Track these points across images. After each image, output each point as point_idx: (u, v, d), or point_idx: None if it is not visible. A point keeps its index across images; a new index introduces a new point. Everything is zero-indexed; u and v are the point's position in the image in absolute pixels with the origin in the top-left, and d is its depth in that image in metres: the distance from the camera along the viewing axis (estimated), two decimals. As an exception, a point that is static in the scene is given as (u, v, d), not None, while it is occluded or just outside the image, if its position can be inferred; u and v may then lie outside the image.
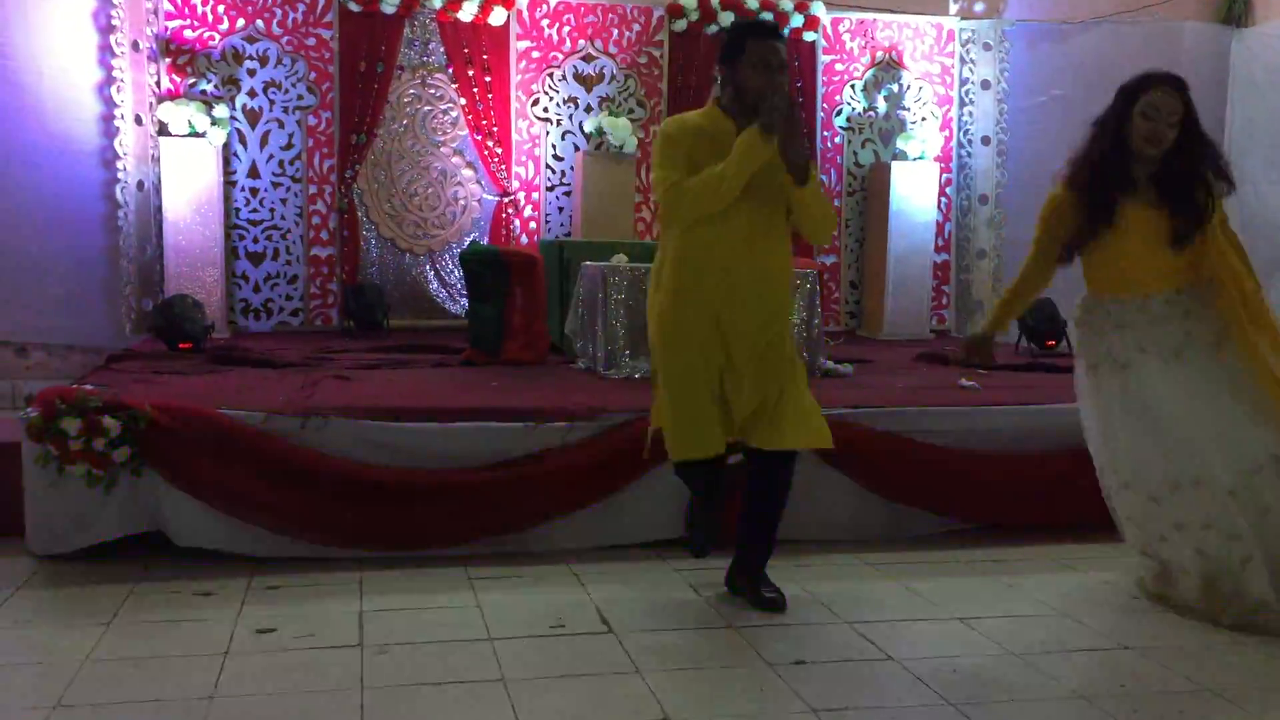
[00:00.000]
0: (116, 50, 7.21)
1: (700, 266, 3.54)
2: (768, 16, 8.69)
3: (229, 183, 8.05)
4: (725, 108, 3.56)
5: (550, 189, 8.78)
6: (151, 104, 7.67)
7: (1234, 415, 3.61)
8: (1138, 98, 3.60)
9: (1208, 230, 3.65)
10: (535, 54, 8.59)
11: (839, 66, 9.14)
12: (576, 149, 8.68)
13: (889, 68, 9.20)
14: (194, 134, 7.64)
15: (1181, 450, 3.63)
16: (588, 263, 6.23)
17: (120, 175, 7.28)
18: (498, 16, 8.33)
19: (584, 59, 8.73)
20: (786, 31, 8.81)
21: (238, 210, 8.13)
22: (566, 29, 8.65)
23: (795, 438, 3.57)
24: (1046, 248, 3.81)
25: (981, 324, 4.13)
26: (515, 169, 8.60)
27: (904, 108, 9.21)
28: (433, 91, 8.48)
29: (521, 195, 8.67)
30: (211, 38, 7.95)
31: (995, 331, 4.01)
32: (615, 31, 8.74)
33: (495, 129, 8.44)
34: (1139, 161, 3.64)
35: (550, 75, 8.65)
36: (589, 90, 8.74)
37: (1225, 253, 3.65)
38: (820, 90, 9.08)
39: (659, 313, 3.63)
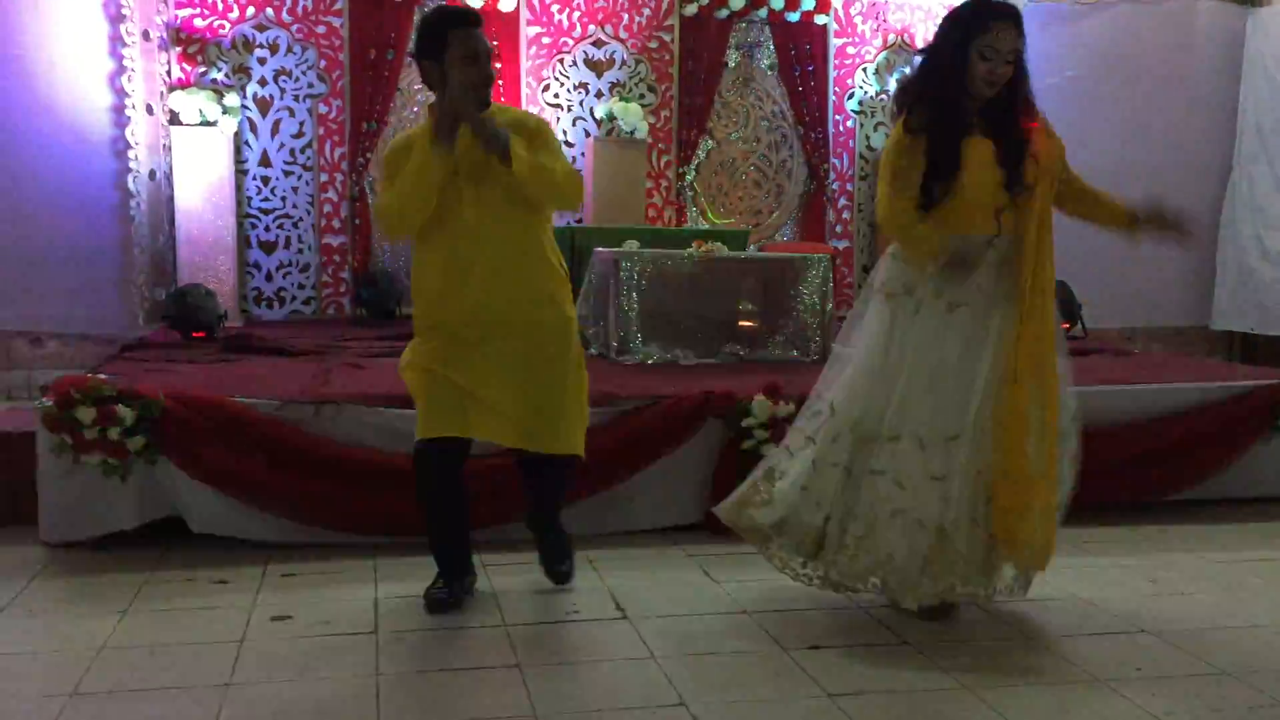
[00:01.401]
0: (127, 40, 7.20)
1: (435, 269, 3.44)
2: (777, 1, 8.65)
3: (240, 171, 8.05)
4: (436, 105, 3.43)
5: (562, 175, 8.74)
6: (162, 93, 7.67)
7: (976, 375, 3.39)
8: (975, 36, 3.34)
9: (1051, 171, 3.44)
10: (545, 40, 8.56)
11: (850, 50, 9.09)
12: (587, 135, 8.65)
13: (901, 50, 9.14)
14: (205, 123, 7.63)
15: (923, 401, 3.39)
16: (599, 249, 6.22)
17: (132, 165, 7.28)
18: (508, 2, 8.31)
19: (594, 44, 8.70)
20: (797, 15, 8.77)
21: (249, 199, 8.14)
22: (577, 14, 8.62)
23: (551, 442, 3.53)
24: (909, 190, 3.42)
25: (939, 246, 3.53)
26: (526, 155, 8.57)
27: (916, 90, 9.15)
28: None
29: (533, 182, 8.64)
30: (222, 26, 7.95)
31: (945, 246, 3.51)
32: (626, 16, 8.71)
33: (506, 115, 8.41)
34: (973, 99, 3.42)
35: (561, 61, 8.62)
36: (600, 76, 8.71)
37: (1040, 224, 3.41)
38: (832, 74, 9.04)
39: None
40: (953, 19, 3.45)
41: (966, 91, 3.41)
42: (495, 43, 8.31)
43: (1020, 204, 3.40)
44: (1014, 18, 3.38)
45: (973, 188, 3.39)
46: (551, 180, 3.36)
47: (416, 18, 8.26)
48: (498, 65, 3.42)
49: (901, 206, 3.43)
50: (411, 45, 3.36)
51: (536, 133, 3.46)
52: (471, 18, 3.42)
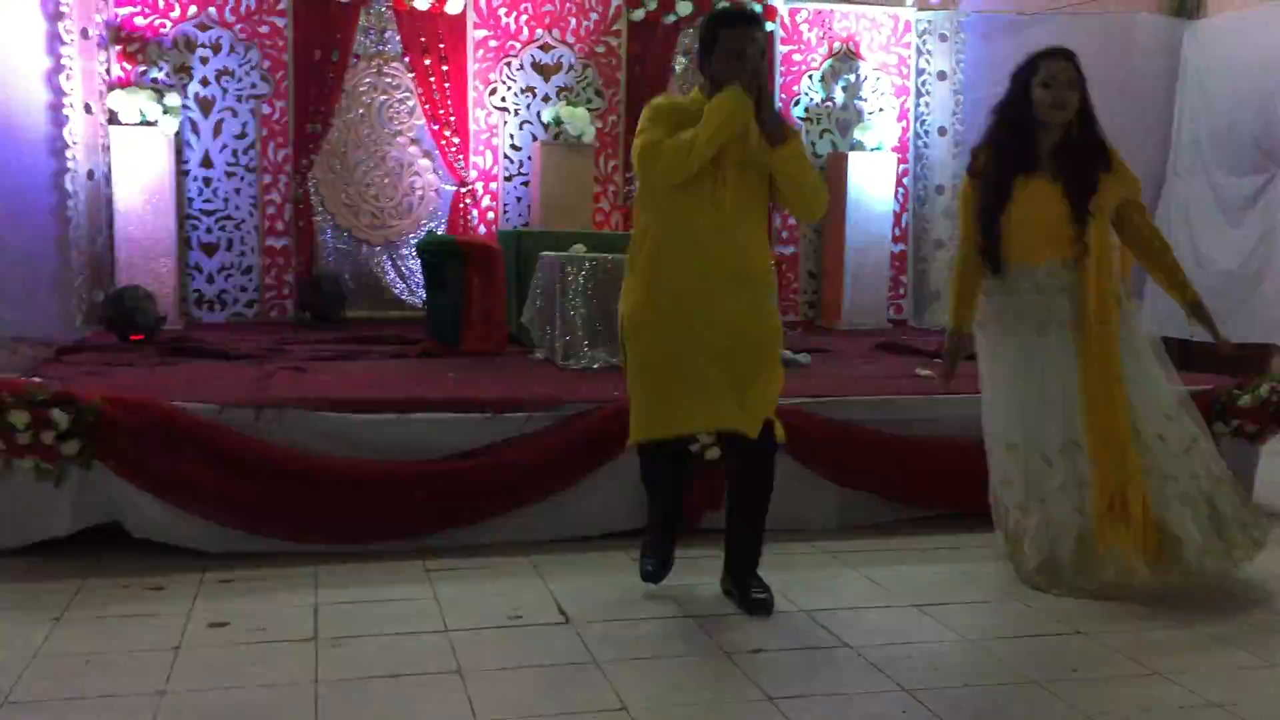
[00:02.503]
0: (65, 38, 7.08)
1: (672, 247, 3.49)
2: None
3: (182, 172, 7.95)
4: (709, 96, 3.50)
5: (508, 179, 8.75)
6: (102, 92, 7.55)
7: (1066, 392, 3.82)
8: (1035, 72, 3.77)
9: (1106, 207, 3.78)
10: (493, 43, 8.54)
11: (796, 57, 9.16)
12: (534, 139, 8.64)
13: (846, 58, 9.23)
14: (145, 123, 7.54)
15: (1061, 415, 3.82)
16: (546, 253, 6.21)
17: (70, 164, 7.16)
18: (455, 5, 8.27)
19: (541, 48, 8.69)
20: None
21: (191, 200, 8.04)
22: (524, 18, 8.61)
23: (754, 426, 3.51)
24: (971, 234, 3.92)
25: (949, 326, 4.09)
26: (473, 159, 8.56)
27: (861, 98, 9.25)
28: (389, 80, 8.41)
29: (479, 185, 8.63)
30: (163, 25, 7.85)
31: (965, 329, 4.03)
32: (573, 21, 8.71)
33: (452, 118, 8.39)
34: (1045, 132, 3.78)
35: (508, 64, 8.60)
36: (547, 80, 8.70)
37: (1103, 255, 3.77)
38: (779, 80, 9.10)
39: (632, 300, 3.59)
40: (1014, 72, 3.88)
41: (1035, 125, 3.76)
42: (443, 44, 8.29)
43: (1088, 239, 3.73)
44: (1069, 55, 3.78)
45: (1024, 224, 3.75)
46: (814, 180, 3.52)
47: (361, 19, 8.22)
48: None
49: (957, 256, 4.00)
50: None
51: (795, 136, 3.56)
52: (743, 15, 3.54)
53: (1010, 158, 3.78)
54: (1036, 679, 3.12)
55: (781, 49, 9.10)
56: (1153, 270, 3.95)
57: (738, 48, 3.41)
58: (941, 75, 9.26)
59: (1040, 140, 3.79)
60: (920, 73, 9.32)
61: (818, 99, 9.21)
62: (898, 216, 9.27)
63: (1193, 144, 8.84)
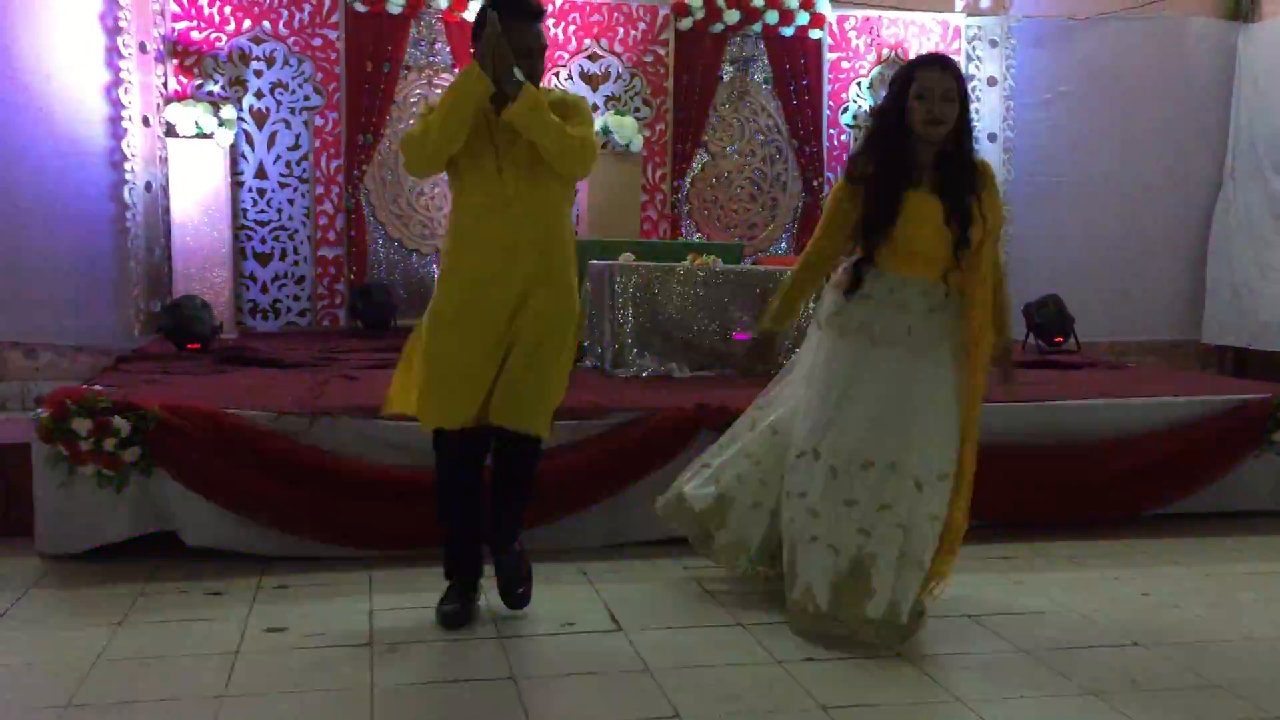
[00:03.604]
0: (124, 52, 7.23)
1: (464, 232, 3.43)
2: (771, 16, 8.70)
3: (236, 184, 8.07)
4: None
5: (557, 188, 8.76)
6: (159, 105, 7.69)
7: (927, 419, 3.49)
8: (911, 82, 3.48)
9: (994, 230, 3.56)
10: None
11: (845, 64, 9.14)
12: (583, 148, 8.65)
13: (895, 65, 9.18)
14: (201, 135, 7.65)
15: (885, 432, 3.48)
16: (594, 261, 6.24)
17: (128, 177, 7.30)
18: (503, 16, 8.32)
19: (589, 58, 8.73)
20: (791, 30, 8.81)
21: (245, 211, 8.15)
22: (572, 28, 8.66)
23: (514, 417, 3.44)
24: (833, 237, 3.63)
25: (763, 322, 3.84)
26: (521, 168, 8.59)
27: (910, 105, 9.19)
28: (439, 91, 8.46)
29: (528, 194, 8.66)
30: (218, 39, 7.97)
31: (779, 330, 3.82)
32: (621, 30, 8.74)
33: (501, 128, 8.43)
34: (923, 145, 3.50)
35: (556, 74, 8.65)
36: (595, 89, 8.74)
37: (983, 282, 3.51)
38: (826, 88, 9.08)
39: (434, 295, 3.51)
40: (892, 76, 3.61)
41: (910, 139, 3.50)
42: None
43: (965, 264, 3.48)
44: (940, 62, 3.54)
45: (912, 240, 3.49)
46: (560, 133, 3.30)
47: (412, 31, 8.30)
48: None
49: (810, 251, 3.68)
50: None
51: (573, 107, 3.46)
52: (520, 7, 3.38)
53: (894, 169, 3.50)
54: (1096, 691, 3.09)
55: (830, 56, 9.08)
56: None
57: (522, 43, 3.32)
58: (991, 81, 9.19)
59: (920, 152, 3.51)
60: (970, 78, 9.25)
61: (866, 106, 9.17)
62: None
63: (1250, 148, 8.71)
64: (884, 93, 3.68)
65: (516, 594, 3.59)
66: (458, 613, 3.54)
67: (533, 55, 3.39)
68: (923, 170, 3.51)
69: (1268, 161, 8.56)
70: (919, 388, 3.48)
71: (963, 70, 8.76)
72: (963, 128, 3.53)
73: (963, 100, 3.52)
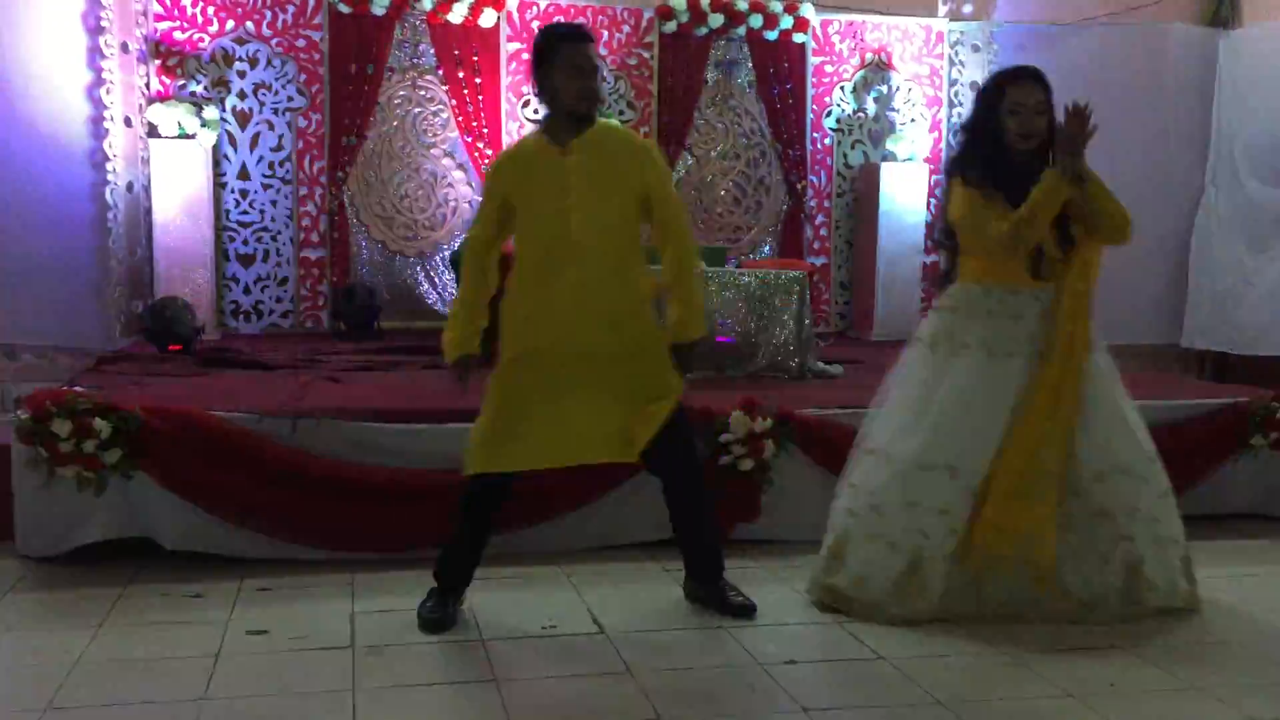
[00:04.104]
0: (106, 52, 7.18)
1: (527, 276, 3.49)
2: (755, 20, 8.72)
3: (219, 184, 8.03)
4: (546, 128, 3.48)
5: (541, 191, 8.76)
6: (141, 106, 7.65)
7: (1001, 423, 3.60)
8: (1002, 98, 3.60)
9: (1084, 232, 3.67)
10: (525, 55, 8.58)
11: (828, 68, 9.16)
12: (567, 151, 8.65)
13: (878, 69, 9.21)
14: (184, 136, 7.62)
15: (950, 435, 3.60)
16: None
17: (110, 177, 7.25)
18: (488, 18, 8.33)
19: (574, 61, 8.72)
20: (775, 34, 8.83)
21: (228, 212, 8.11)
22: (557, 31, 8.64)
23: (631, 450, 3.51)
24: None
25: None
26: (506, 171, 8.58)
27: (893, 109, 9.24)
28: (423, 93, 8.47)
29: (512, 197, 8.65)
30: (201, 39, 7.94)
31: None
32: (605, 33, 8.74)
33: (486, 131, 8.43)
34: (1016, 158, 3.62)
35: (540, 77, 8.63)
36: (579, 92, 8.72)
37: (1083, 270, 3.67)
38: (810, 92, 9.10)
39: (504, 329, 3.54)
40: (979, 93, 3.75)
41: (1007, 153, 3.60)
42: (476, 57, 8.35)
43: (1066, 260, 3.65)
44: (1031, 75, 3.61)
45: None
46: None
47: (396, 33, 8.29)
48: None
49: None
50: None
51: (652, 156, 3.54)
52: (580, 32, 3.48)
53: (1004, 173, 3.61)
54: (1074, 693, 3.11)
55: (813, 60, 9.10)
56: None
57: (576, 63, 3.38)
58: (974, 86, 9.22)
59: (1016, 163, 3.62)
60: (953, 83, 9.30)
61: (849, 110, 9.20)
62: (930, 227, 9.23)
63: (1230, 155, 8.77)
64: (971, 108, 3.81)
65: (748, 607, 3.66)
66: (440, 617, 3.54)
67: (598, 74, 3.49)
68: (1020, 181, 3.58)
69: (1245, 167, 8.62)
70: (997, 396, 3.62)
71: (945, 75, 8.76)
72: (1054, 137, 3.60)
73: (1050, 111, 3.61)
